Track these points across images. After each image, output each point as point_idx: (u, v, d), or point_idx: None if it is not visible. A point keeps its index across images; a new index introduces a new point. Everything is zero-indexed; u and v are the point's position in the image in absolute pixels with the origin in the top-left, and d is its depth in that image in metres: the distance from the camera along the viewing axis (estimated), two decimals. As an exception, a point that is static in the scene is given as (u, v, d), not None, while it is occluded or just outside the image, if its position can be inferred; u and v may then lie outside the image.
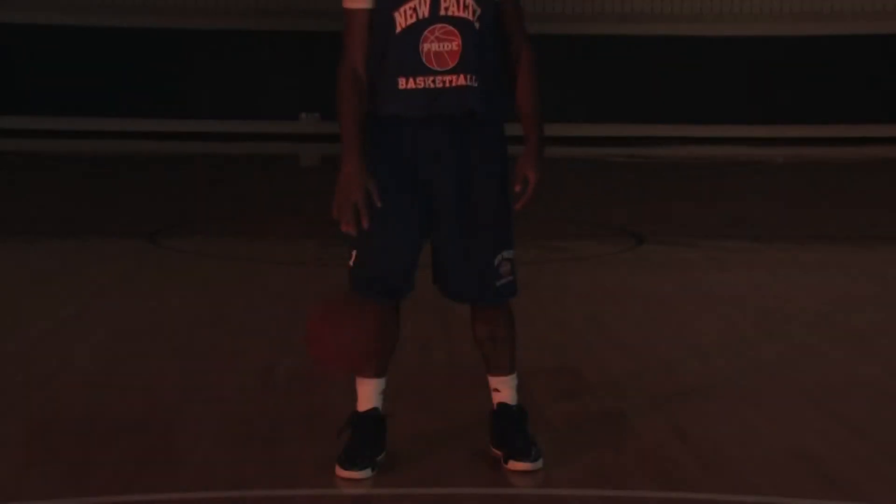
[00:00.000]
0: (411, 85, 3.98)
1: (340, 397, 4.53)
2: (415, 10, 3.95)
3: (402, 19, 3.96)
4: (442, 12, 3.94)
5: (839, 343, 6.23)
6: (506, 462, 4.11)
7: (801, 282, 7.83)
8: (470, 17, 3.97)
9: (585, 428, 4.81)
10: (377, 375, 4.11)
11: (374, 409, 4.12)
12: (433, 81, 3.97)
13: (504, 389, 4.19)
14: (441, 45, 3.97)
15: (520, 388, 4.29)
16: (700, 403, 5.27)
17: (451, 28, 3.96)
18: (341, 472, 4.03)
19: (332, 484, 4.12)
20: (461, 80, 3.98)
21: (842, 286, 7.77)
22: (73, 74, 17.30)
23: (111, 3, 17.85)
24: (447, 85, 3.98)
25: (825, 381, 5.65)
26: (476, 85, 3.98)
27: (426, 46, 3.96)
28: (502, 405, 4.18)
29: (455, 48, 3.96)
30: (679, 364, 5.87)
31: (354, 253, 4.03)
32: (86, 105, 17.11)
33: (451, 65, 3.98)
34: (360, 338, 3.94)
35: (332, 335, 3.90)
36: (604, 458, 4.39)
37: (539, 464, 4.10)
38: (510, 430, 4.16)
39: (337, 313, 3.95)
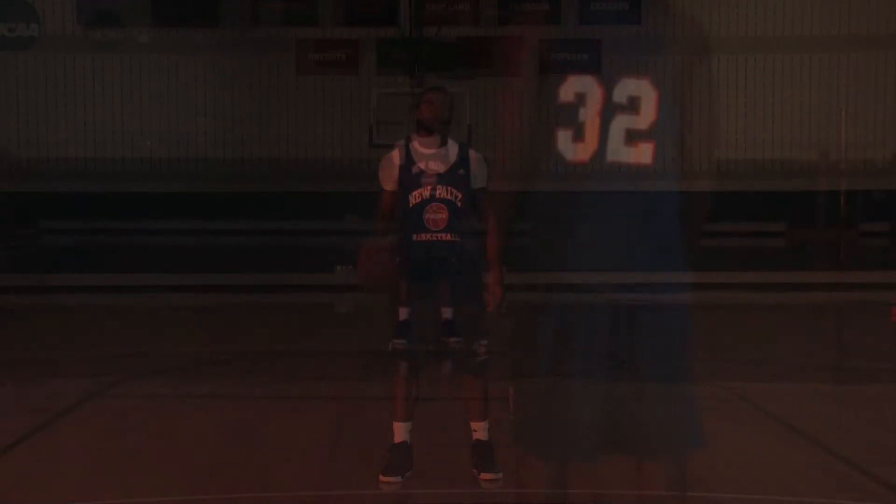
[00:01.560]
0: (419, 238, 5.57)
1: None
2: (420, 194, 5.69)
3: (413, 199, 5.64)
4: (437, 196, 5.63)
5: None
6: (479, 475, 5.64)
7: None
8: (453, 200, 5.59)
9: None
10: (406, 420, 5.72)
11: (404, 442, 5.74)
12: (431, 236, 5.65)
13: (479, 431, 5.72)
14: (436, 215, 5.57)
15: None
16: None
17: (442, 205, 5.60)
18: (383, 478, 5.69)
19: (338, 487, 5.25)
20: (447, 237, 5.60)
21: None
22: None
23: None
24: (439, 239, 5.57)
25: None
26: (457, 239, 5.62)
27: (427, 216, 5.62)
28: (478, 440, 5.72)
29: (444, 217, 5.60)
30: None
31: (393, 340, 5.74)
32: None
33: (442, 227, 5.59)
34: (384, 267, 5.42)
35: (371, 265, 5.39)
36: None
37: (500, 475, 5.68)
38: (483, 456, 5.68)
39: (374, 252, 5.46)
